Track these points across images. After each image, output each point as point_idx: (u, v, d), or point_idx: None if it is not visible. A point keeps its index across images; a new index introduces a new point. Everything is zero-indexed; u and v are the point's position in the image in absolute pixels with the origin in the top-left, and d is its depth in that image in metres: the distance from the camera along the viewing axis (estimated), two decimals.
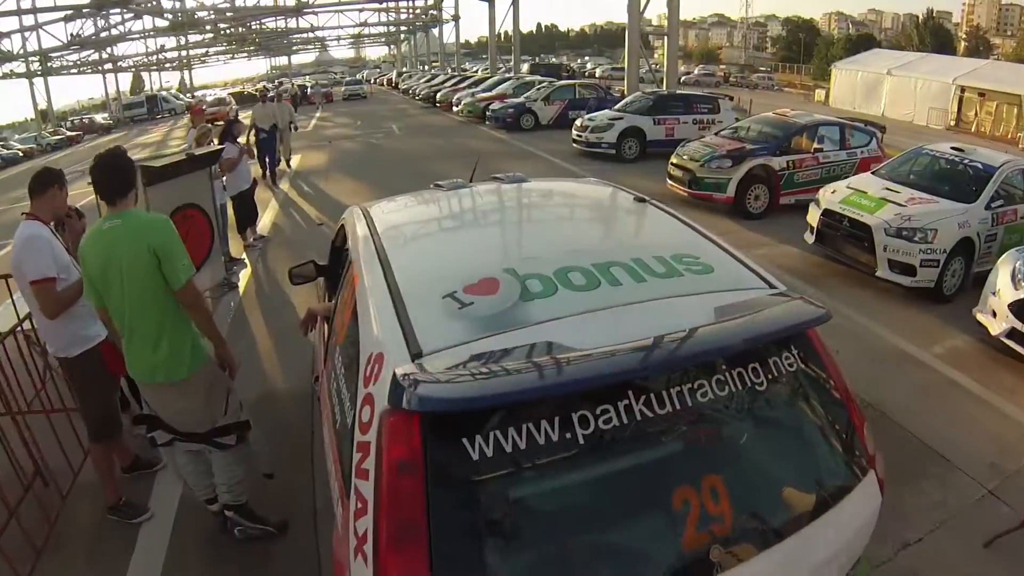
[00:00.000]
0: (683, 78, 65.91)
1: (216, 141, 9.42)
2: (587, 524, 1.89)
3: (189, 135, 9.68)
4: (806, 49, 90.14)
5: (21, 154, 43.44)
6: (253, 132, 14.12)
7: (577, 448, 1.86)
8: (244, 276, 9.00)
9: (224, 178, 9.09)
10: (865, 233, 7.92)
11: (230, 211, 9.78)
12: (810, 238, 8.87)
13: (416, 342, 2.04)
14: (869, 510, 2.31)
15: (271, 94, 16.85)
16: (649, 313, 2.21)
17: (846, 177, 10.78)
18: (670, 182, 11.98)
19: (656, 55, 30.94)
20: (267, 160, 14.76)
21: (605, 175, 14.01)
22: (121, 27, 41.73)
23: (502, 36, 46.40)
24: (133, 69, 70.31)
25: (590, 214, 3.73)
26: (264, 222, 11.48)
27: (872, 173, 9.26)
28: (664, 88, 22.65)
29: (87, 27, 40.26)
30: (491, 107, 23.96)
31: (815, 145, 11.29)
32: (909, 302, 7.75)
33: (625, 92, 22.92)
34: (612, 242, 3.25)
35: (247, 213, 10.05)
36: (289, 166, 16.65)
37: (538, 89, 24.12)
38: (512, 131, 22.33)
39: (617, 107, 17.66)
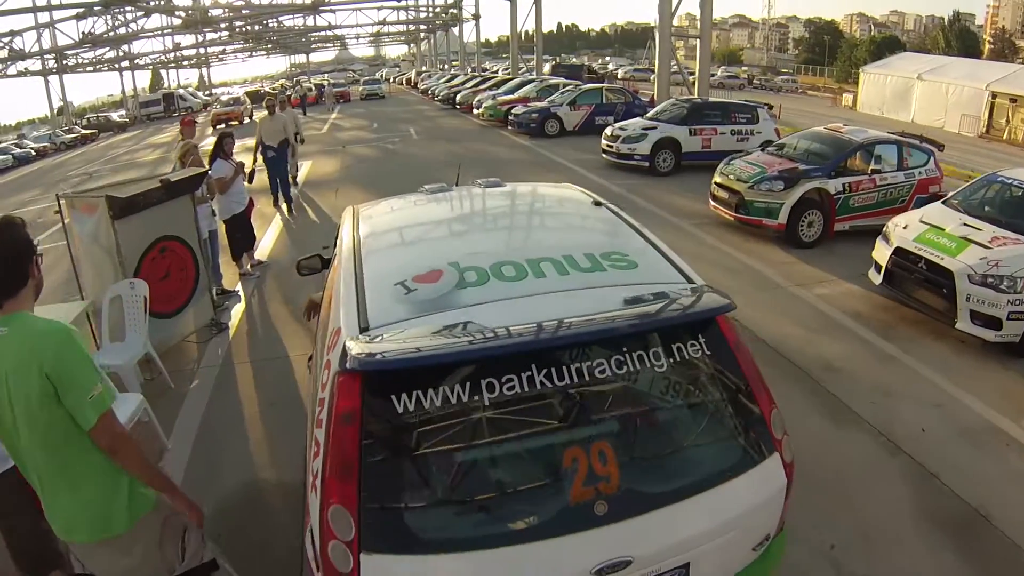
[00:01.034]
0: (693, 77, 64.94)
1: (203, 157, 8.41)
2: (488, 470, 2.31)
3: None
4: (829, 51, 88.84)
5: (34, 152, 42.98)
6: (259, 151, 12.21)
7: (484, 408, 2.26)
8: (237, 313, 7.93)
9: (213, 200, 8.03)
10: (945, 279, 6.80)
11: (223, 235, 8.73)
12: (876, 278, 7.71)
13: (366, 319, 2.48)
14: (769, 490, 2.56)
15: (278, 99, 14.04)
16: (560, 301, 2.55)
17: (903, 201, 10.04)
18: (714, 204, 10.79)
19: (677, 55, 29.69)
20: (278, 182, 12.55)
21: (640, 191, 12.96)
22: (133, 25, 40.82)
23: (523, 36, 45.20)
24: (151, 67, 69.79)
25: (544, 216, 4.09)
26: (264, 245, 10.44)
27: (944, 203, 8.09)
28: (696, 94, 21.46)
29: (99, 25, 39.46)
30: (514, 111, 22.84)
31: (871, 166, 10.07)
32: (988, 358, 6.63)
33: (655, 97, 21.74)
34: (552, 240, 3.50)
35: (243, 238, 8.96)
36: (295, 181, 14.79)
37: (563, 93, 22.93)
38: (536, 137, 21.19)
39: (649, 115, 16.45)
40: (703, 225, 10.75)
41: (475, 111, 27.79)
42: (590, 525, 2.22)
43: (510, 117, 22.89)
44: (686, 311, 2.49)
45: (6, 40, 40.69)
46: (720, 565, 2.54)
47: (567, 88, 23.70)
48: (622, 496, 2.26)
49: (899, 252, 7.40)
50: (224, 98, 48.36)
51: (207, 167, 8.19)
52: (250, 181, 10.56)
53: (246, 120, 39.72)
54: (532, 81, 28.13)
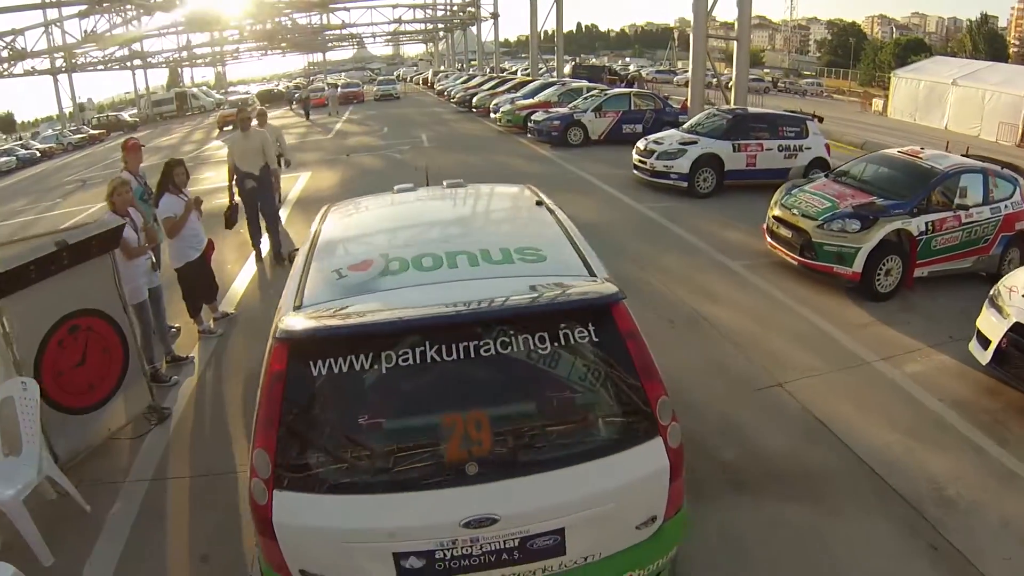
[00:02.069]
0: (729, 83, 62.42)
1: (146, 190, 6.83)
2: (381, 427, 2.74)
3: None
4: (853, 54, 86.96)
5: (39, 154, 41.98)
6: (234, 181, 9.38)
7: (381, 375, 2.69)
8: (187, 391, 6.31)
9: (166, 243, 6.44)
10: None
11: (184, 285, 7.16)
12: (983, 356, 5.98)
13: (301, 299, 3.03)
14: (648, 469, 2.83)
15: (254, 111, 11.10)
16: (461, 288, 2.95)
17: (986, 240, 8.59)
18: (771, 242, 9.05)
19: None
20: (260, 224, 9.63)
21: (679, 217, 11.15)
22: (135, 24, 39.57)
23: (542, 35, 43.53)
24: (163, 65, 68.81)
25: (482, 214, 4.54)
26: (236, 287, 8.85)
27: None
28: (732, 102, 19.66)
29: (101, 24, 38.28)
30: (533, 117, 21.04)
31: (956, 200, 8.36)
32: None
33: (688, 104, 19.97)
34: (477, 236, 3.88)
35: (202, 289, 7.32)
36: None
37: (587, 98, 21.17)
38: (557, 147, 19.47)
39: (686, 127, 14.66)
40: (757, 267, 9.02)
41: (492, 115, 26.13)
42: (461, 483, 2.64)
43: (529, 124, 21.11)
44: (564, 300, 2.86)
45: (8, 39, 39.55)
46: (599, 537, 2.85)
47: (591, 93, 21.92)
48: (492, 460, 2.67)
49: (1019, 329, 5.69)
50: (232, 98, 47.04)
51: (150, 207, 6.63)
52: (230, 225, 8.86)
53: (253, 123, 38.44)
54: (553, 84, 26.35)
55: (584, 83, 26.12)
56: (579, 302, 2.88)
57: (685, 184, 12.89)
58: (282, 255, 9.46)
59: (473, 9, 56.63)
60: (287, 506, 2.65)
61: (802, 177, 13.56)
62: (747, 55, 20.57)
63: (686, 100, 21.75)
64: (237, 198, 9.36)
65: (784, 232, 8.74)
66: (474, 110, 30.73)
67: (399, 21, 58.86)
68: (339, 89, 49.56)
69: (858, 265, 7.95)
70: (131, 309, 5.60)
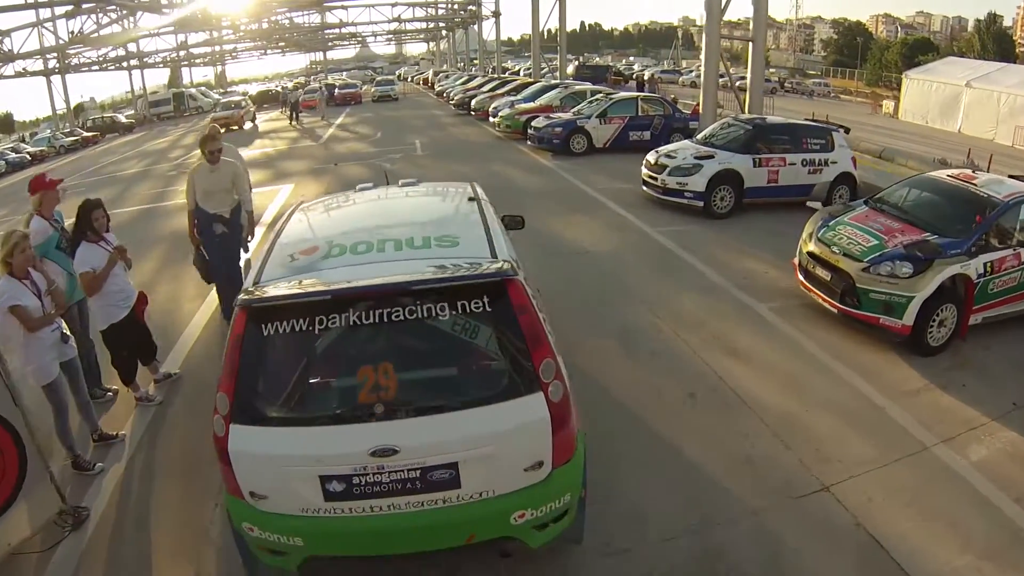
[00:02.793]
0: (738, 82, 60.80)
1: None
2: (313, 376, 3.46)
3: (34, 226, 5.79)
4: (860, 53, 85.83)
5: (30, 157, 40.88)
6: (195, 224, 7.62)
7: (315, 335, 3.38)
8: (112, 480, 5.19)
9: (56, 325, 5.27)
10: None
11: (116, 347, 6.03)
12: None
13: (259, 276, 3.68)
14: (529, 418, 3.36)
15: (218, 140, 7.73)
16: (383, 267, 3.60)
17: None
18: (805, 282, 7.88)
19: (703, 56, 26.35)
20: (229, 285, 7.28)
21: (695, 245, 9.86)
22: (124, 24, 38.45)
23: (545, 35, 42.29)
24: (161, 65, 67.74)
25: (421, 208, 5.14)
26: (184, 341, 7.66)
27: None
28: (747, 109, 18.42)
29: (88, 24, 37.18)
30: (534, 123, 19.85)
31: (1017, 234, 7.20)
32: None
33: (700, 109, 18.75)
34: (408, 227, 4.26)
35: (134, 352, 6.18)
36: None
37: (591, 102, 19.96)
38: (559, 156, 18.29)
39: (700, 138, 13.43)
40: (788, 312, 7.83)
41: (492, 119, 24.96)
42: (370, 420, 3.27)
43: (530, 130, 19.93)
44: (458, 276, 3.45)
45: None
46: (489, 473, 3.40)
47: (596, 97, 20.70)
48: (396, 403, 3.29)
49: None
50: (225, 99, 45.80)
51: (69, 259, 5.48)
52: (211, 279, 7.74)
53: (247, 125, 37.13)
54: (555, 87, 25.11)
55: (588, 86, 24.87)
56: (472, 278, 3.44)
57: (701, 204, 11.68)
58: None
59: (474, 7, 55.39)
60: (239, 436, 3.31)
61: (826, 195, 12.42)
62: (763, 56, 19.36)
63: (697, 104, 20.53)
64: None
65: (821, 273, 7.56)
66: (473, 113, 29.53)
67: (399, 20, 57.65)
68: (336, 90, 48.37)
69: (909, 317, 6.77)
70: (28, 398, 4.43)
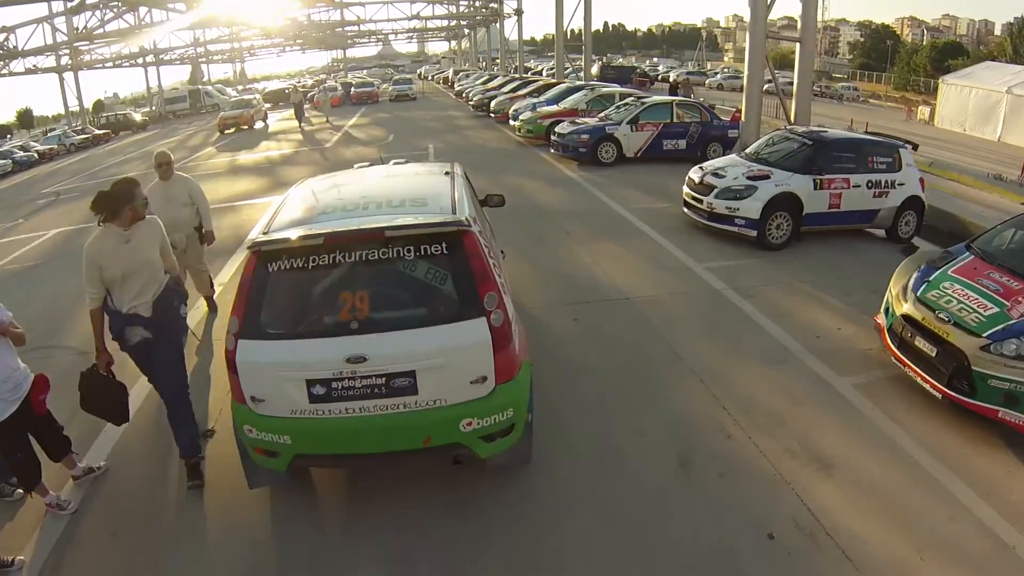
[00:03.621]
0: (765, 87, 58.76)
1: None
2: (305, 300, 4.22)
3: None
4: (886, 56, 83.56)
5: (38, 156, 39.77)
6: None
7: (307, 269, 4.14)
8: None
9: None
10: None
11: None
12: None
13: (268, 228, 4.46)
14: (473, 338, 4.07)
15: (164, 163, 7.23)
16: (364, 221, 4.38)
17: None
18: (897, 352, 6.08)
19: (726, 58, 23.96)
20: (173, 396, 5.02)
21: (752, 289, 8.34)
22: (125, 20, 37.20)
23: (568, 34, 40.53)
24: (178, 62, 66.73)
25: (404, 180, 5.95)
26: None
27: None
28: (793, 118, 16.60)
29: (92, 21, 35.95)
30: (558, 129, 18.06)
31: None
32: None
33: (742, 116, 16.96)
34: (391, 193, 5.11)
35: (43, 444, 4.59)
36: (211, 302, 8.29)
37: (620, 108, 18.19)
38: (586, 166, 16.57)
39: (749, 151, 11.60)
40: (875, 389, 6.04)
41: (512, 123, 23.29)
42: (347, 334, 4.01)
43: (553, 136, 18.16)
44: (418, 225, 4.22)
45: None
46: (441, 383, 4.11)
47: (626, 101, 18.94)
48: (366, 321, 4.04)
49: None
50: (235, 97, 44.41)
51: None
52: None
53: (257, 125, 35.66)
54: (580, 88, 23.28)
55: (616, 88, 22.96)
56: (433, 226, 4.22)
57: (754, 233, 9.88)
58: (194, 449, 5.00)
59: (495, 5, 53.76)
60: (245, 349, 4.07)
61: (892, 222, 10.62)
62: (811, 59, 17.52)
63: (736, 111, 18.75)
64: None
65: (923, 346, 5.76)
66: (492, 115, 27.86)
67: (418, 18, 56.09)
68: (352, 88, 46.87)
69: None
70: None
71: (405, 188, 5.43)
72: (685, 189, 11.08)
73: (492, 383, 4.17)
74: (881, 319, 6.52)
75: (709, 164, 11.34)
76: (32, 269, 11.54)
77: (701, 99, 26.09)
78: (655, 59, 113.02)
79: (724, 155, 16.35)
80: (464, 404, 4.15)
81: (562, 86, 25.41)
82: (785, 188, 9.90)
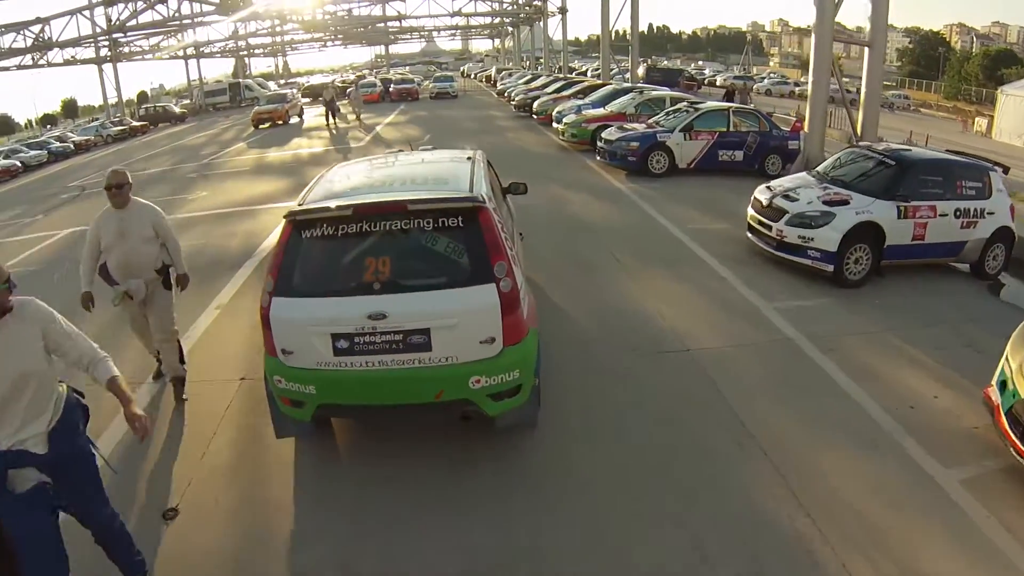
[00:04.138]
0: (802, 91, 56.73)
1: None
2: (333, 263, 4.70)
3: None
4: (936, 64, 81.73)
5: (74, 147, 39.62)
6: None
7: (337, 237, 4.61)
8: None
9: None
10: None
11: None
12: None
13: (304, 200, 4.98)
14: (482, 302, 4.49)
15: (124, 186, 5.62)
16: (391, 195, 4.94)
17: None
18: (1019, 442, 4.80)
19: (771, 63, 22.41)
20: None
21: (834, 340, 7.14)
22: (157, 11, 36.82)
23: (613, 35, 39.19)
24: (218, 55, 66.81)
25: (431, 163, 6.27)
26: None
27: None
28: (859, 130, 15.20)
29: (125, 13, 35.62)
30: (605, 134, 16.85)
31: None
32: None
33: (805, 126, 15.66)
34: (417, 174, 5.68)
35: None
36: (180, 392, 6.20)
37: (672, 114, 16.90)
38: (635, 177, 15.40)
39: (820, 169, 10.25)
40: (986, 487, 4.80)
41: (555, 125, 22.19)
42: (370, 293, 4.46)
43: (599, 142, 17.00)
44: (436, 199, 4.75)
45: (35, 30, 37.23)
46: (453, 341, 4.50)
47: (678, 107, 17.65)
48: (388, 283, 4.48)
49: None
50: (269, 92, 43.81)
51: None
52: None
53: (293, 120, 34.91)
54: (628, 91, 22.07)
55: (667, 92, 21.66)
56: (450, 201, 4.71)
57: (830, 268, 8.61)
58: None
59: (539, 3, 52.55)
60: (278, 306, 4.55)
61: (979, 255, 9.27)
62: (881, 65, 16.11)
63: (796, 121, 17.38)
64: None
65: None
66: (535, 117, 26.76)
67: (460, 14, 55.16)
68: (392, 85, 46.06)
69: None
70: None
71: (429, 170, 5.90)
72: (750, 212, 9.84)
73: (500, 344, 4.57)
74: (994, 395, 5.24)
75: (778, 184, 10.05)
76: (33, 275, 10.68)
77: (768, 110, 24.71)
78: (700, 62, 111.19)
79: (785, 169, 15.08)
80: (474, 363, 4.54)
81: (608, 88, 24.26)
82: (867, 216, 8.62)
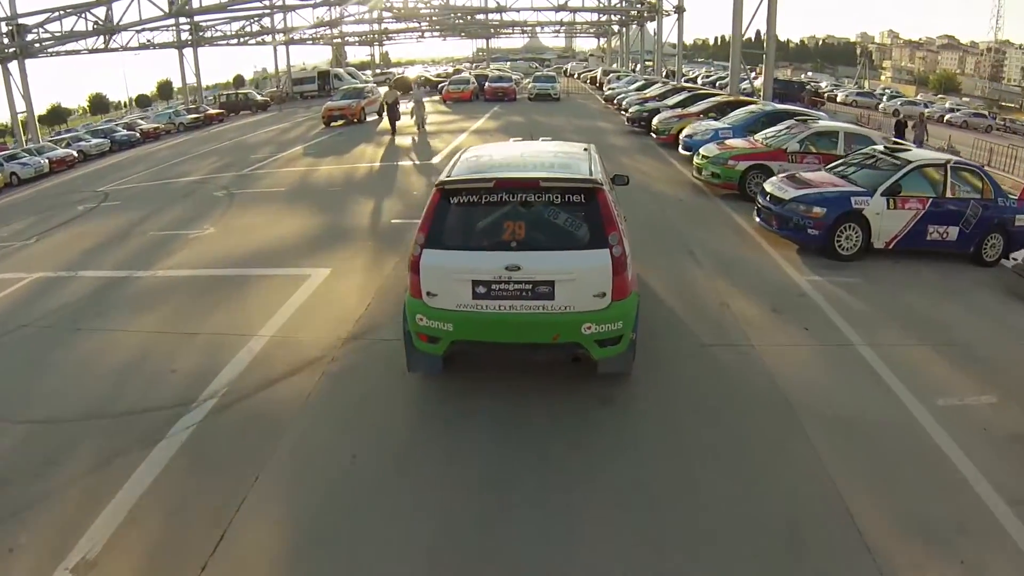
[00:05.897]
0: (943, 114, 49.99)
1: None
2: (477, 223, 5.84)
3: None
4: None
5: (140, 135, 37.03)
6: None
7: (481, 203, 5.81)
8: None
9: None
10: None
11: None
12: None
13: (448, 174, 6.16)
14: (597, 262, 5.59)
15: None
16: (525, 172, 6.14)
17: None
18: None
19: (883, 77, 16.44)
20: None
21: None
22: None
23: (719, 40, 33.62)
24: (309, 42, 64.51)
25: (554, 152, 7.13)
26: None
27: None
28: None
29: None
30: (769, 186, 11.61)
31: None
32: None
33: None
34: (542, 158, 6.71)
35: None
36: None
37: (867, 166, 11.46)
38: (814, 258, 10.39)
39: None
40: None
41: (681, 151, 17.34)
42: (507, 249, 5.60)
43: (759, 199, 11.64)
44: (565, 178, 5.84)
45: (98, 13, 34.67)
46: (571, 293, 5.59)
47: (871, 151, 12.14)
48: (523, 241, 5.62)
49: None
50: (345, 86, 39.93)
51: None
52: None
53: (370, 117, 30.68)
54: (782, 115, 16.79)
55: (842, 125, 16.07)
56: (575, 181, 5.81)
57: None
58: None
59: (654, 0, 47.28)
60: (427, 256, 5.72)
61: None
62: None
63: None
64: None
65: None
66: (653, 135, 21.88)
67: (565, 9, 50.61)
68: (486, 82, 41.50)
69: None
70: None
71: (553, 156, 6.85)
72: None
73: (608, 299, 5.65)
74: None
75: None
76: None
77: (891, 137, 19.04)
78: (809, 73, 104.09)
79: (1008, 257, 10.19)
80: (587, 312, 5.65)
81: (752, 107, 18.99)
82: None
